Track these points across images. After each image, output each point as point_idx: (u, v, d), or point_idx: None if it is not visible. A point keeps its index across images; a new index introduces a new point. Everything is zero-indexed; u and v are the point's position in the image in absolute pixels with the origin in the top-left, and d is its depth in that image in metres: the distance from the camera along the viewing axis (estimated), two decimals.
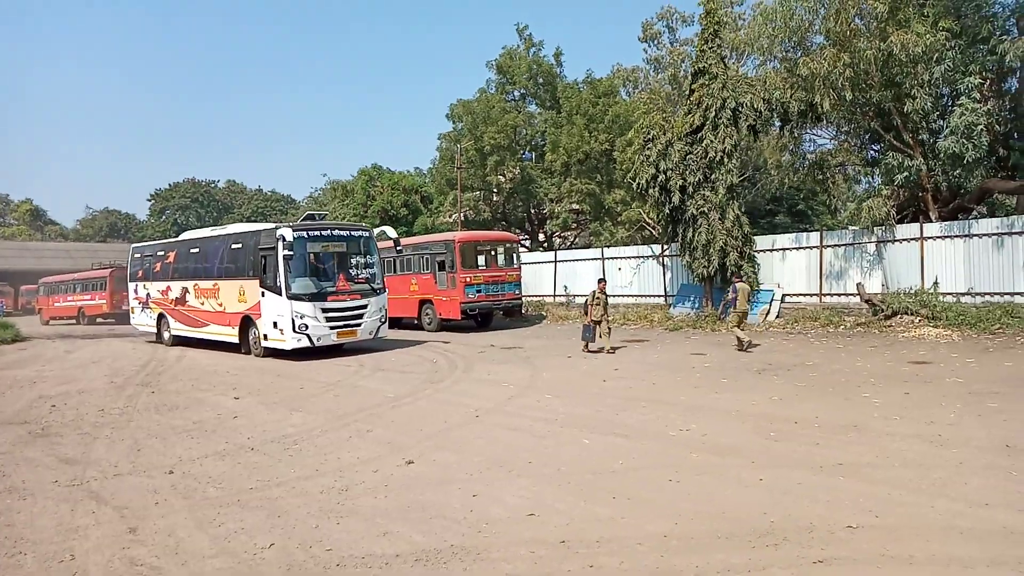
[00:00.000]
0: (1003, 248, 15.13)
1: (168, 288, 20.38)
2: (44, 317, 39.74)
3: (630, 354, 14.20)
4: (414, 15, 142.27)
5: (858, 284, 17.06)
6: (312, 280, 15.42)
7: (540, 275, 27.37)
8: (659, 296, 22.84)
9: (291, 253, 14.84)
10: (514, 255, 23.28)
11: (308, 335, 15.10)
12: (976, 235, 15.58)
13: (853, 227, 18.50)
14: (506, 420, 8.58)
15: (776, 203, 31.50)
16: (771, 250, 19.64)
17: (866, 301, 16.47)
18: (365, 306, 16.01)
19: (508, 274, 22.04)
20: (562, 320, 22.97)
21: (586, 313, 14.84)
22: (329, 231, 16.12)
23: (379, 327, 16.47)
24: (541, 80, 36.86)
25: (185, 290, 19.32)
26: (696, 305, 20.10)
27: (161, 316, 20.95)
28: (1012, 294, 14.88)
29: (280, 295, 15.08)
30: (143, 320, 22.24)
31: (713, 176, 18.46)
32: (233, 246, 17.28)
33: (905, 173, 16.51)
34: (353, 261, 16.21)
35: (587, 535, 4.78)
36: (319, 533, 4.98)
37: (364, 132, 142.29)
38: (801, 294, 18.91)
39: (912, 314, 15.20)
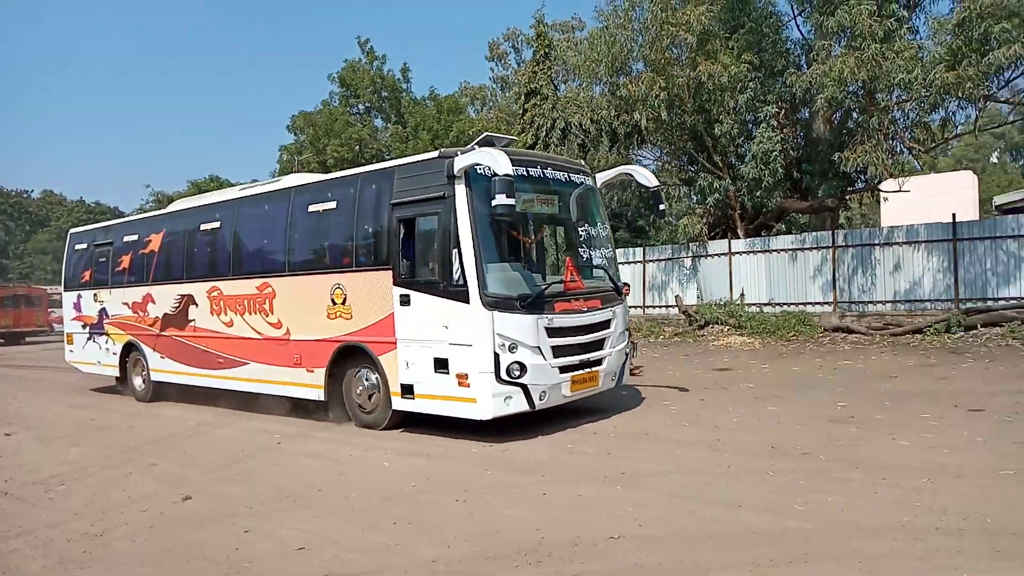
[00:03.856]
0: (796, 262, 16.68)
1: (147, 297, 11.92)
2: None
3: None
4: (248, 22, 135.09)
5: (676, 296, 18.14)
6: (520, 269, 8.10)
7: None
8: None
9: (504, 205, 6.95)
10: None
11: (525, 387, 7.43)
12: (775, 250, 17.07)
13: (673, 243, 19.71)
14: (309, 446, 8.20)
15: (617, 219, 33.07)
16: None
17: (683, 312, 17.54)
18: (608, 323, 8.48)
19: None
20: None
21: None
22: (540, 169, 8.29)
23: (624, 363, 8.96)
24: (386, 94, 36.61)
25: (186, 300, 11.08)
26: None
27: (131, 348, 12.43)
28: (804, 304, 16.41)
29: (464, 299, 7.38)
30: (91, 355, 13.54)
31: None
32: (314, 208, 9.19)
33: (716, 194, 17.80)
34: (582, 232, 8.80)
35: (355, 567, 4.57)
36: None
37: (198, 141, 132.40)
38: (628, 306, 19.79)
39: (721, 324, 16.35)
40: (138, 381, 12.42)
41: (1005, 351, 11.95)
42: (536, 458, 7.00)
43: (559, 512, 5.35)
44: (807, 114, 18.40)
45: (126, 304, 12.44)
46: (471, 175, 7.54)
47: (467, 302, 7.37)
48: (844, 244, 16.19)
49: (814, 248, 16.50)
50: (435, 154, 7.99)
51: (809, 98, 16.23)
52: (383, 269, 8.25)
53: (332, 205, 9.02)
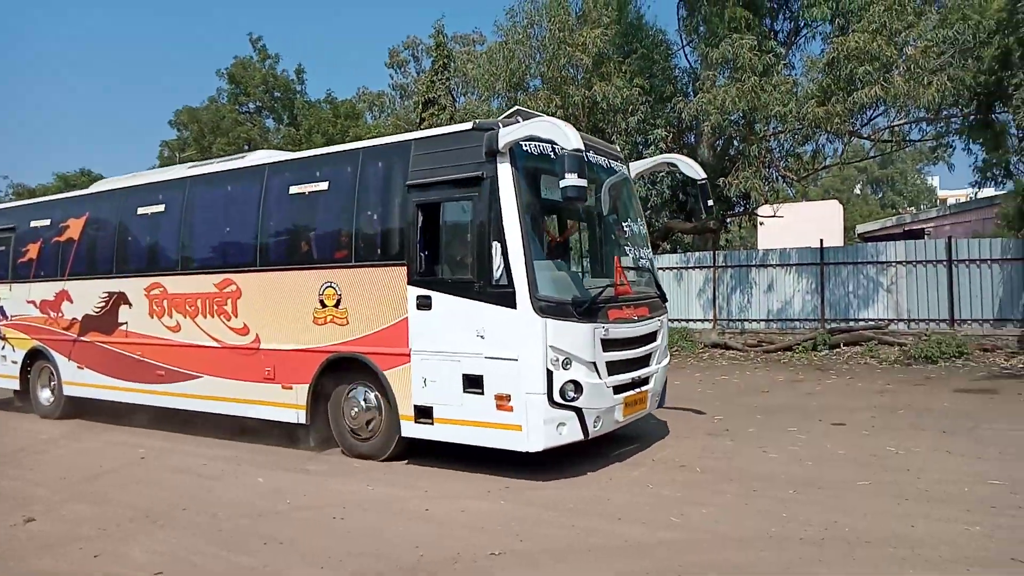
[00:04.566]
0: (682, 280, 17.36)
1: (62, 295, 10.08)
2: None
3: None
4: (124, 9, 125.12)
5: None
6: (567, 269, 7.19)
7: None
8: None
9: (575, 187, 5.80)
10: None
11: (580, 412, 6.28)
12: (662, 268, 17.60)
13: None
14: (178, 460, 7.67)
15: None
16: None
17: None
18: (655, 335, 7.45)
19: None
20: None
21: None
22: (584, 152, 6.26)
23: (665, 382, 7.91)
24: (279, 94, 35.40)
25: (115, 299, 9.36)
26: None
27: (36, 355, 10.49)
28: (688, 320, 17.09)
29: (509, 303, 6.18)
30: None
31: None
32: (297, 189, 7.77)
33: None
34: (626, 228, 7.78)
35: None
36: None
37: (63, 132, 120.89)
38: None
39: None
40: (45, 395, 10.43)
41: (864, 368, 12.87)
42: (418, 472, 6.83)
43: (441, 528, 5.23)
44: (693, 139, 19.25)
45: (32, 302, 10.46)
46: (516, 152, 6.34)
47: (513, 307, 6.15)
48: (724, 264, 17.01)
49: (697, 267, 17.23)
50: (468, 125, 6.71)
51: (695, 124, 17.01)
52: (394, 265, 6.90)
53: (322, 186, 7.59)
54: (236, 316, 8.13)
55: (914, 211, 36.96)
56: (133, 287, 9.17)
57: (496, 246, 6.24)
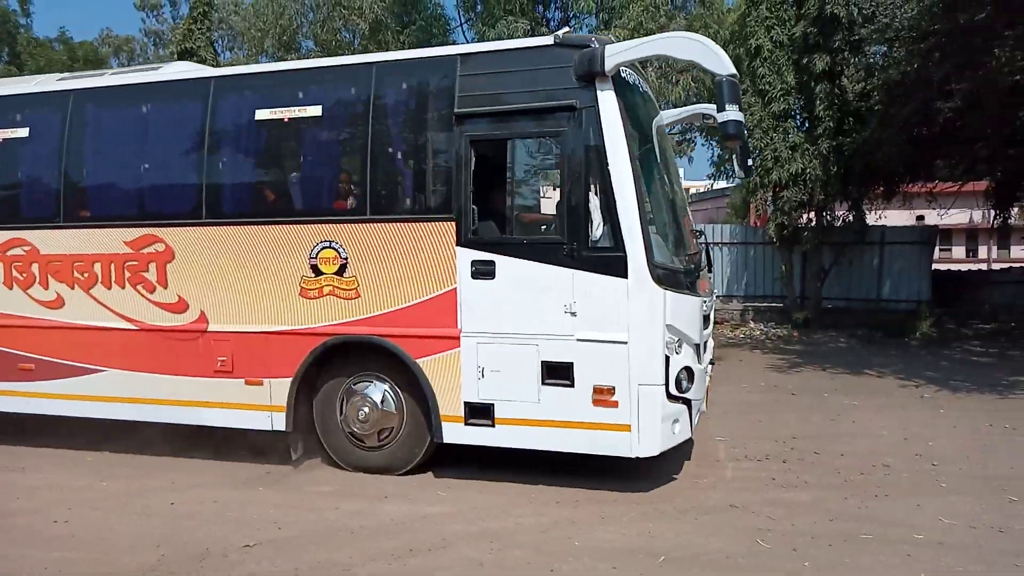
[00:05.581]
0: None
1: None
2: None
3: None
4: None
5: None
6: (663, 230, 5.40)
7: None
8: None
9: (736, 122, 4.74)
10: None
11: (689, 404, 5.12)
12: None
13: None
14: None
15: None
16: None
17: None
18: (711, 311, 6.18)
19: None
20: None
21: None
22: (646, 84, 6.11)
23: None
24: None
25: None
26: None
27: None
28: None
29: (617, 271, 4.80)
30: None
31: None
32: (268, 115, 5.73)
33: None
34: (681, 184, 6.84)
35: None
36: None
37: None
38: None
39: None
40: None
41: None
42: (159, 462, 6.10)
43: (188, 523, 4.76)
44: None
45: None
46: (616, 80, 4.99)
47: (622, 275, 4.81)
48: None
49: None
50: (547, 40, 5.11)
51: None
52: (435, 220, 5.27)
53: (312, 111, 5.70)
54: (165, 286, 5.99)
55: None
56: None
57: (594, 198, 4.95)
